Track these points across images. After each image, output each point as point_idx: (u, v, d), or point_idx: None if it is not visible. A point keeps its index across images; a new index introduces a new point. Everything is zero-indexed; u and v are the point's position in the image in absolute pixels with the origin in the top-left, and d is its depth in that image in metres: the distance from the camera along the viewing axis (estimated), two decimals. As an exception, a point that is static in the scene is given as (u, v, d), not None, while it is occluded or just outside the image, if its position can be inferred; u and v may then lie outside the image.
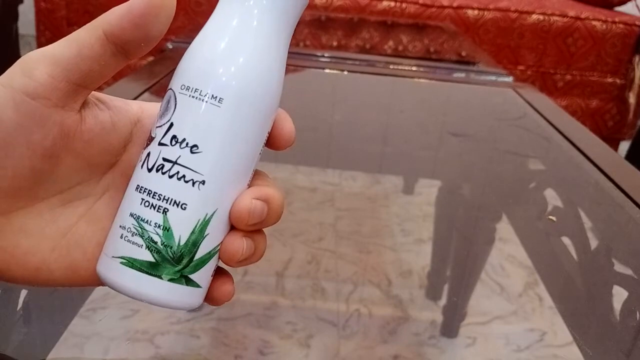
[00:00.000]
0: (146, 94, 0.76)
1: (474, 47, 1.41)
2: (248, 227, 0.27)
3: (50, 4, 1.78)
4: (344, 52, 1.11)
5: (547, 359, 0.39)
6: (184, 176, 0.26)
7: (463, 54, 1.27)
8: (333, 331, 0.39)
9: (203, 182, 0.26)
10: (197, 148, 0.26)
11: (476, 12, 1.89)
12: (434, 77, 1.09)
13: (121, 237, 0.26)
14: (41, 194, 0.28)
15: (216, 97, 0.25)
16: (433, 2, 1.88)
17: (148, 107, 0.30)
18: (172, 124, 0.26)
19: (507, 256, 0.51)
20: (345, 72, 1.01)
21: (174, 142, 0.26)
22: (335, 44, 1.22)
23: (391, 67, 1.10)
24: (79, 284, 0.29)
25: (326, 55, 1.07)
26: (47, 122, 0.26)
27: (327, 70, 1.01)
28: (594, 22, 1.91)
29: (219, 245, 0.27)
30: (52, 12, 1.79)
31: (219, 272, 0.28)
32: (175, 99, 0.26)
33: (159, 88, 0.80)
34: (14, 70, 0.26)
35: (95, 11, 1.81)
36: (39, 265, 0.28)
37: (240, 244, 0.27)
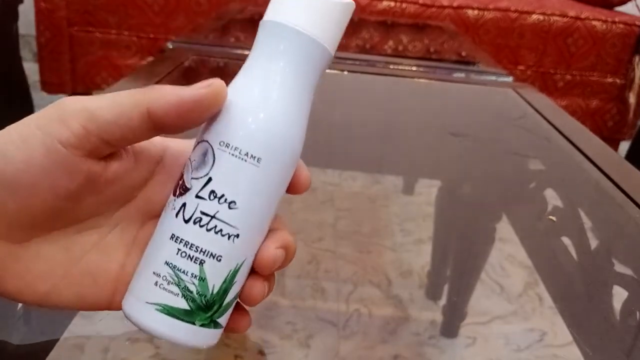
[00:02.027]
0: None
1: (474, 47, 1.41)
2: (269, 273, 0.29)
3: (50, 4, 1.78)
4: (344, 52, 1.11)
5: (547, 359, 0.39)
6: (221, 230, 0.27)
7: (463, 54, 1.27)
8: (333, 331, 0.39)
9: (237, 236, 0.27)
10: (235, 204, 0.27)
11: (476, 12, 1.89)
12: (434, 77, 1.09)
13: (156, 284, 0.27)
14: (58, 225, 0.28)
15: (255, 157, 0.27)
16: (433, 2, 1.88)
17: (172, 146, 0.31)
18: (210, 179, 0.27)
19: (507, 256, 0.51)
20: (345, 72, 1.01)
21: (212, 197, 0.27)
22: (335, 44, 1.21)
23: (391, 67, 1.10)
24: (86, 309, 0.30)
25: (326, 55, 1.07)
26: (74, 170, 0.26)
27: (327, 70, 1.01)
28: (594, 22, 1.91)
29: (241, 289, 0.29)
30: (52, 12, 1.79)
31: (236, 306, 0.30)
32: (214, 154, 0.27)
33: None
34: (51, 114, 0.26)
35: (95, 11, 1.81)
36: (50, 290, 0.29)
37: (262, 289, 0.29)
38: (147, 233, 0.29)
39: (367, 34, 1.41)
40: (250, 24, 1.33)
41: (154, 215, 0.30)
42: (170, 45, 1.01)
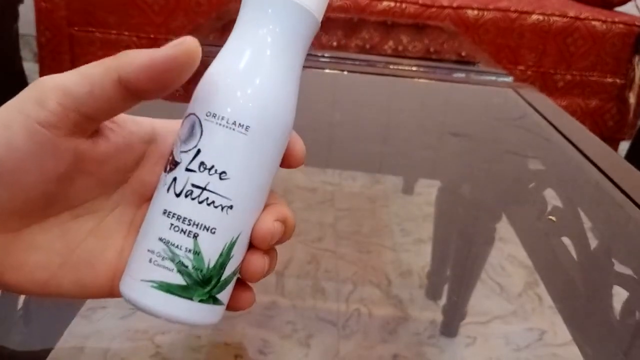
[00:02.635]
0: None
1: (474, 47, 1.41)
2: (268, 247, 0.28)
3: (50, 4, 1.78)
4: (344, 52, 1.11)
5: (547, 359, 0.39)
6: (213, 202, 0.26)
7: (463, 54, 1.27)
8: (333, 331, 0.39)
9: (231, 207, 0.27)
10: (226, 174, 0.26)
11: (476, 12, 1.89)
12: (434, 77, 1.09)
13: (150, 261, 0.27)
14: (52, 211, 0.28)
15: (243, 125, 0.26)
16: (433, 2, 1.88)
17: (161, 126, 0.30)
18: (199, 151, 0.27)
19: (507, 256, 0.51)
20: (345, 72, 1.01)
21: (202, 169, 0.26)
22: (335, 44, 1.22)
23: (391, 67, 1.10)
24: (87, 297, 0.30)
25: (326, 55, 1.07)
26: (59, 150, 0.26)
27: (327, 70, 1.02)
28: (594, 22, 1.91)
29: (240, 264, 0.28)
30: (52, 12, 1.79)
31: (237, 282, 0.29)
32: (201, 125, 0.27)
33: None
34: (28, 96, 0.26)
35: (95, 11, 1.81)
36: (48, 279, 0.28)
37: (261, 263, 0.28)
38: (144, 216, 0.29)
39: (367, 34, 1.41)
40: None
41: (149, 197, 0.29)
42: (170, 45, 1.00)
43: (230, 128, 0.26)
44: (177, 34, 1.85)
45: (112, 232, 0.29)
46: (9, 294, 0.37)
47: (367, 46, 1.28)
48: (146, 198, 0.30)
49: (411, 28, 1.62)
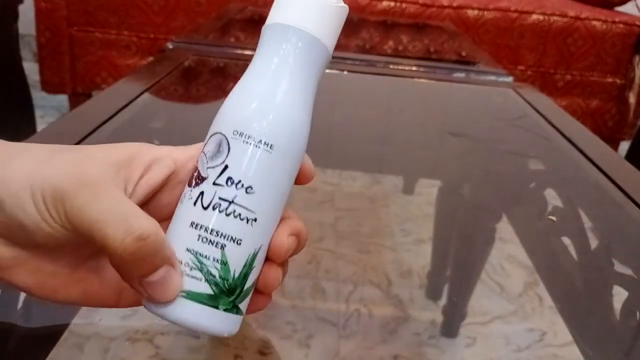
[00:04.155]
0: (146, 94, 0.76)
1: (474, 47, 1.41)
2: (283, 260, 0.30)
3: (50, 4, 1.78)
4: (344, 52, 1.11)
5: (547, 359, 0.39)
6: (239, 214, 0.28)
7: (463, 54, 1.27)
8: (333, 331, 0.39)
9: (255, 220, 0.29)
10: (252, 189, 0.28)
11: (476, 12, 1.89)
12: (434, 77, 1.09)
13: None
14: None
15: (268, 143, 0.28)
16: (433, 2, 1.88)
17: (180, 154, 0.31)
18: (226, 166, 0.28)
19: (507, 256, 0.51)
20: (345, 72, 1.01)
21: (229, 183, 0.28)
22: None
23: (391, 67, 1.10)
24: (95, 305, 0.32)
25: (326, 55, 1.07)
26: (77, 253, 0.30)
27: (327, 70, 1.01)
28: (594, 22, 1.91)
29: (258, 275, 0.30)
30: (52, 12, 1.79)
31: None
32: (229, 143, 0.29)
33: (159, 88, 0.80)
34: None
35: (95, 11, 1.81)
36: (58, 287, 0.30)
37: (278, 276, 0.30)
38: None
39: (367, 34, 1.41)
40: (250, 24, 1.33)
41: (162, 217, 0.30)
42: (170, 45, 1.01)
43: (256, 146, 0.28)
44: (177, 34, 1.84)
45: None
46: (9, 294, 0.37)
47: (367, 46, 1.28)
48: (161, 218, 0.30)
49: (411, 28, 1.62)
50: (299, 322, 0.39)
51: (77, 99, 1.86)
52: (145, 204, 0.30)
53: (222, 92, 0.84)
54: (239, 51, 1.03)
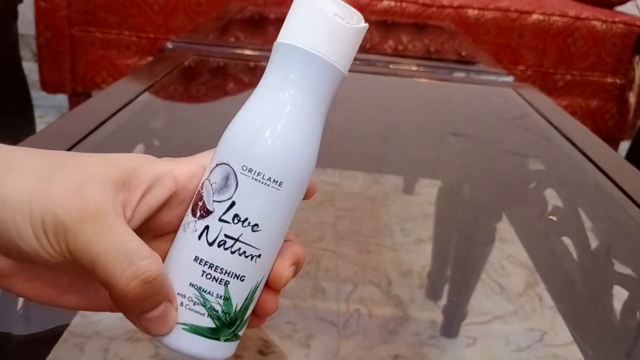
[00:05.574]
0: (146, 94, 0.76)
1: (474, 47, 1.41)
2: (281, 287, 0.30)
3: (50, 4, 1.78)
4: (344, 52, 1.10)
5: (547, 359, 0.39)
6: (244, 252, 0.28)
7: (463, 53, 1.27)
8: (333, 331, 0.39)
9: (259, 256, 0.28)
10: (258, 227, 0.28)
11: (476, 12, 1.89)
12: (434, 77, 1.09)
13: (182, 305, 0.28)
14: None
15: (277, 181, 0.28)
16: (433, 1, 1.88)
17: (181, 172, 0.30)
18: (234, 203, 0.28)
19: (507, 256, 0.51)
20: (345, 72, 1.01)
21: (236, 221, 0.28)
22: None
23: (391, 67, 1.10)
24: (93, 310, 0.31)
25: (326, 55, 1.07)
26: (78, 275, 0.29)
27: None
28: (594, 22, 1.91)
29: (257, 301, 0.30)
30: (52, 12, 1.79)
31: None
32: (237, 178, 0.28)
33: (159, 88, 0.80)
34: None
35: (95, 11, 1.81)
36: (56, 295, 0.30)
37: (275, 303, 0.31)
38: (154, 249, 0.29)
39: (367, 34, 1.40)
40: (251, 23, 1.33)
41: (163, 233, 0.30)
42: (170, 45, 1.01)
43: (265, 184, 0.28)
44: (177, 33, 1.84)
45: None
46: (9, 294, 0.37)
47: (367, 46, 1.28)
48: (159, 234, 0.30)
49: (411, 28, 1.62)
50: (299, 322, 0.39)
51: (77, 98, 1.86)
52: (144, 223, 0.29)
53: (222, 92, 0.84)
54: (239, 51, 1.03)
